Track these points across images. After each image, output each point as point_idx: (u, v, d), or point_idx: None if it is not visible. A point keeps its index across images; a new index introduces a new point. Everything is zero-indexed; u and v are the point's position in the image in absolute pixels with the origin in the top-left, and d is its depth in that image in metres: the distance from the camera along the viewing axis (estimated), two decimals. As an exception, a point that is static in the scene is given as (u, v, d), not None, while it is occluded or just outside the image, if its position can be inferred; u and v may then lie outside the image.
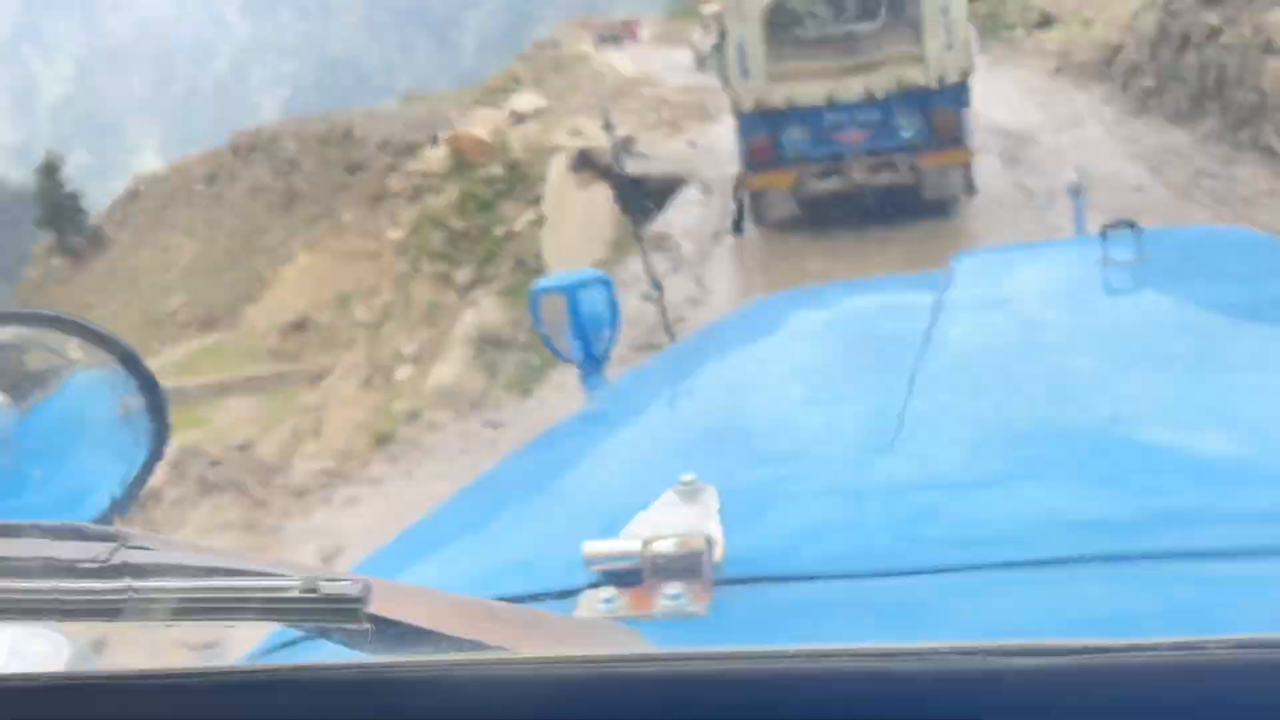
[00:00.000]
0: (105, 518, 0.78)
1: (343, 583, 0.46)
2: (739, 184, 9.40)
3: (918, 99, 8.82)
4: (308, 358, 34.52)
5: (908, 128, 8.94)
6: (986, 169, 10.54)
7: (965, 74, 8.85)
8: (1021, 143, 12.07)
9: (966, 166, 9.25)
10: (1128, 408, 0.96)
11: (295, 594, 0.46)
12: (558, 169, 13.83)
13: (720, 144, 12.46)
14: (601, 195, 12.15)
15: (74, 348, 0.89)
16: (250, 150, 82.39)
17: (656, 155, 12.86)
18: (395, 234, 16.05)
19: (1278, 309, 1.32)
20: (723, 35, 9.32)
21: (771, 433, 1.07)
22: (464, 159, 15.58)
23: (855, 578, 0.70)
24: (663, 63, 34.86)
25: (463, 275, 14.00)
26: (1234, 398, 0.96)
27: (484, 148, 14.57)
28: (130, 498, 0.83)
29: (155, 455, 0.85)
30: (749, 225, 9.71)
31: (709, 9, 40.33)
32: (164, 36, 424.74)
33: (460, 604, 0.57)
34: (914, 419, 0.96)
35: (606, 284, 1.93)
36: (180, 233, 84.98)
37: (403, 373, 11.78)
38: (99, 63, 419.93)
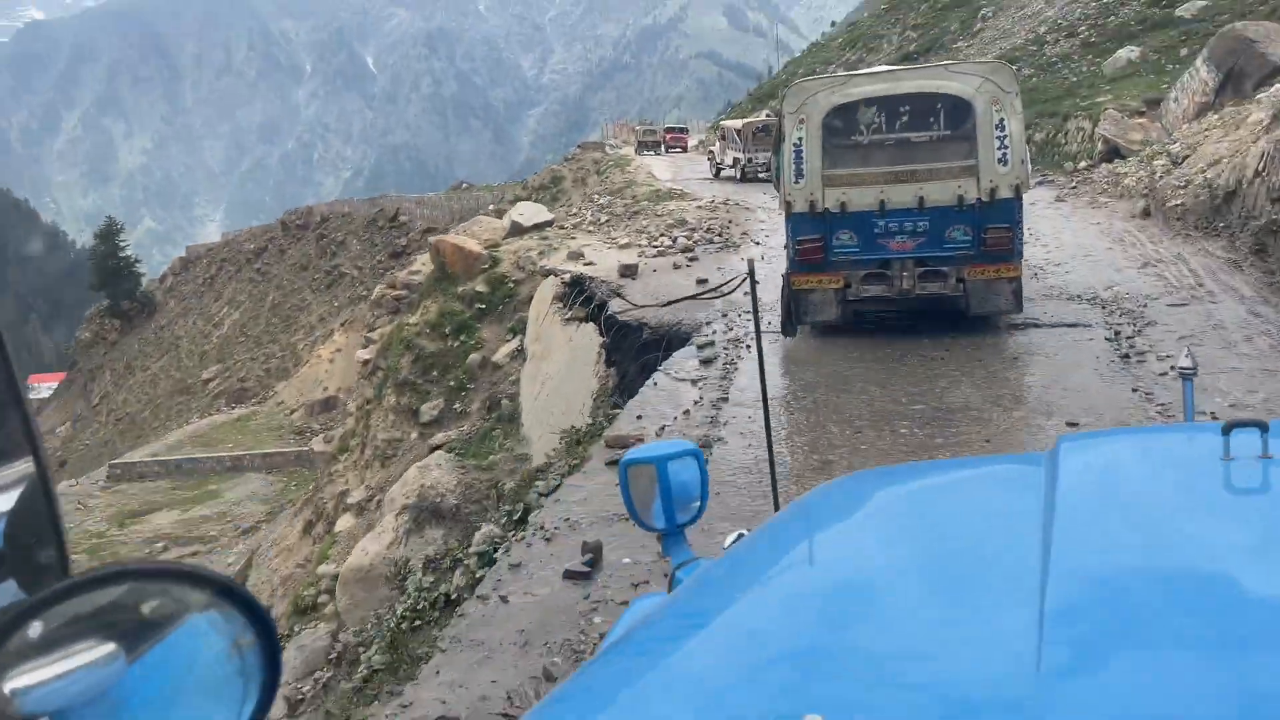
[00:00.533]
0: None
1: None
2: (786, 284, 9.44)
3: (969, 211, 8.85)
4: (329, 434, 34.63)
5: (957, 239, 8.95)
6: (1095, 356, 8.54)
7: (1019, 190, 8.92)
8: (1135, 319, 9.62)
9: (1015, 282, 9.12)
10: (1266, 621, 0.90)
11: None
12: (544, 297, 12.79)
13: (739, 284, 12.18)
14: (589, 338, 11.26)
15: (192, 594, 0.87)
16: (300, 228, 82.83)
17: (657, 292, 11.58)
18: (364, 354, 15.18)
19: None
20: (780, 138, 9.41)
21: (898, 655, 0.96)
22: (447, 271, 14.45)
23: None
24: (697, 171, 35.53)
25: (428, 409, 12.97)
26: None
27: (469, 261, 13.96)
28: None
29: (269, 694, 0.83)
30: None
31: (727, 122, 41.95)
32: (238, 115, 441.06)
33: None
34: (1056, 634, 0.89)
35: (697, 456, 1.94)
36: (224, 303, 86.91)
37: (343, 523, 11.11)
38: (175, 136, 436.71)
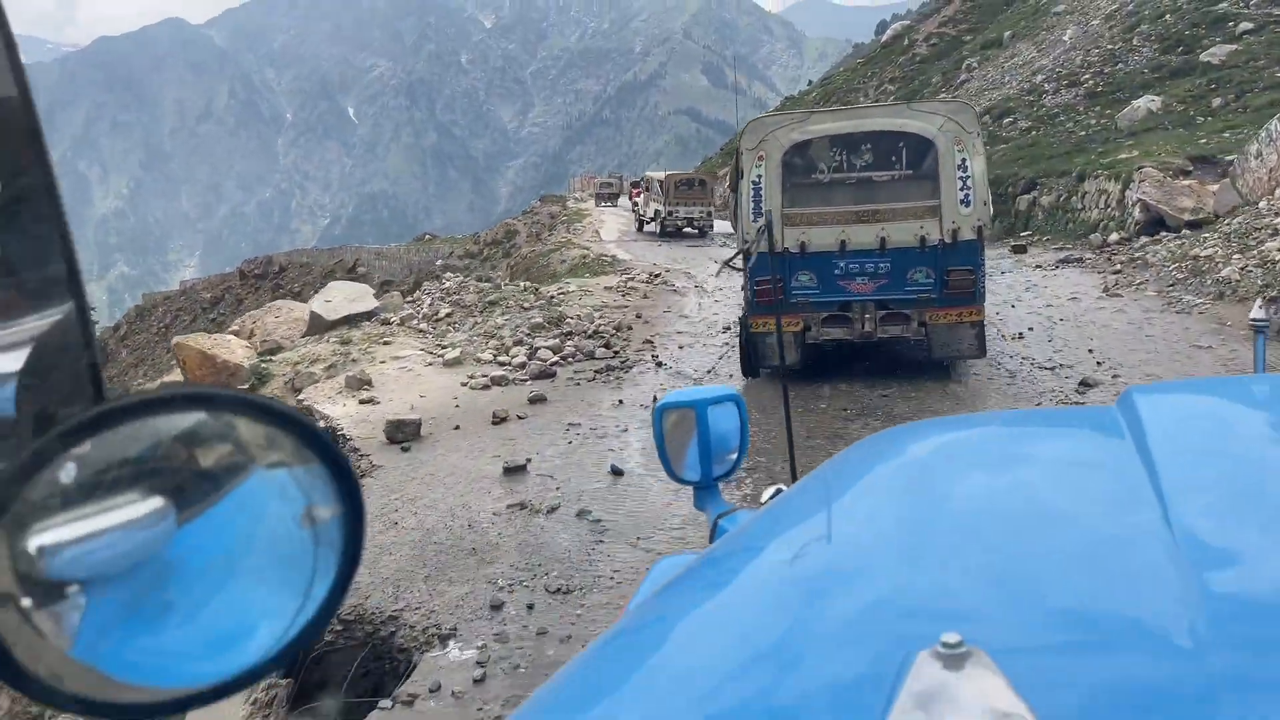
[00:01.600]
0: (263, 666, 0.64)
1: None
2: (743, 327, 9.04)
3: (931, 253, 8.45)
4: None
5: (919, 281, 8.54)
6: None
7: (981, 231, 8.52)
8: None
9: (978, 326, 8.70)
10: None
11: None
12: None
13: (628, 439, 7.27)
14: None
15: (261, 437, 0.69)
16: (258, 277, 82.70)
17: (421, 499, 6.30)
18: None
19: None
20: (738, 176, 8.90)
21: (1016, 579, 0.84)
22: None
23: None
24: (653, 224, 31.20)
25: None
26: None
27: (220, 377, 8.96)
28: (301, 643, 0.67)
29: (341, 587, 0.68)
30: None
31: (651, 173, 38.53)
32: (217, 162, 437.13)
33: None
34: (1198, 559, 0.80)
35: (738, 402, 1.80)
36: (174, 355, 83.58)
37: None
38: (152, 182, 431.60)
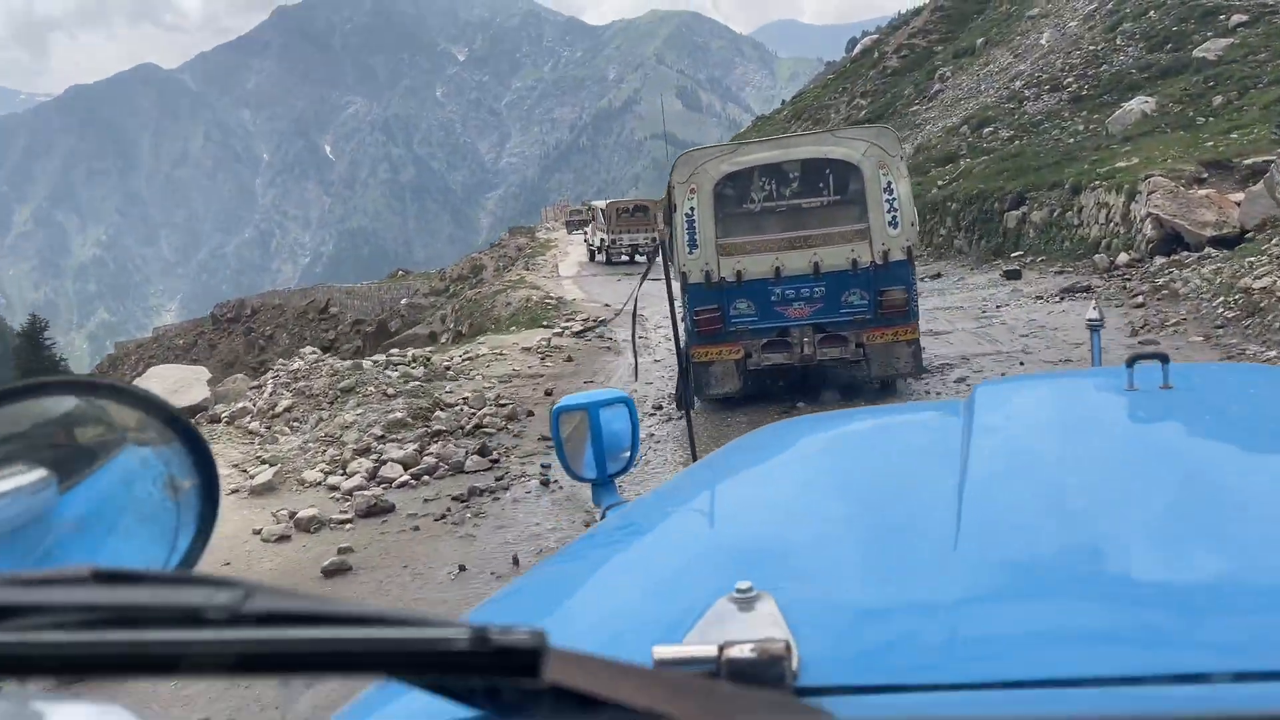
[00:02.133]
0: None
1: (517, 635, 0.41)
2: (684, 357, 8.55)
3: (864, 275, 8.50)
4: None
5: (854, 304, 8.59)
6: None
7: (910, 252, 8.56)
8: None
9: (914, 344, 8.71)
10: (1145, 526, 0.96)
11: (463, 646, 0.40)
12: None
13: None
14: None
15: (130, 419, 0.80)
16: (230, 321, 79.89)
17: None
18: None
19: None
20: (671, 209, 8.86)
21: (824, 544, 1.05)
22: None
23: (940, 689, 0.69)
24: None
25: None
26: (1243, 522, 0.96)
27: None
28: None
29: (202, 538, 0.78)
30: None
31: (596, 202, 37.25)
32: (195, 205, 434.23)
33: (631, 671, 0.52)
34: (972, 529, 0.96)
35: (628, 404, 1.91)
36: None
37: None
38: (130, 228, 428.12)
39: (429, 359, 10.09)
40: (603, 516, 1.71)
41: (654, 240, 28.03)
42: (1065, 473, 1.14)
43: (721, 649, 0.65)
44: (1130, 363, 1.44)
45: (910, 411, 1.88)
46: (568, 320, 16.59)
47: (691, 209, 8.58)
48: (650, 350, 12.47)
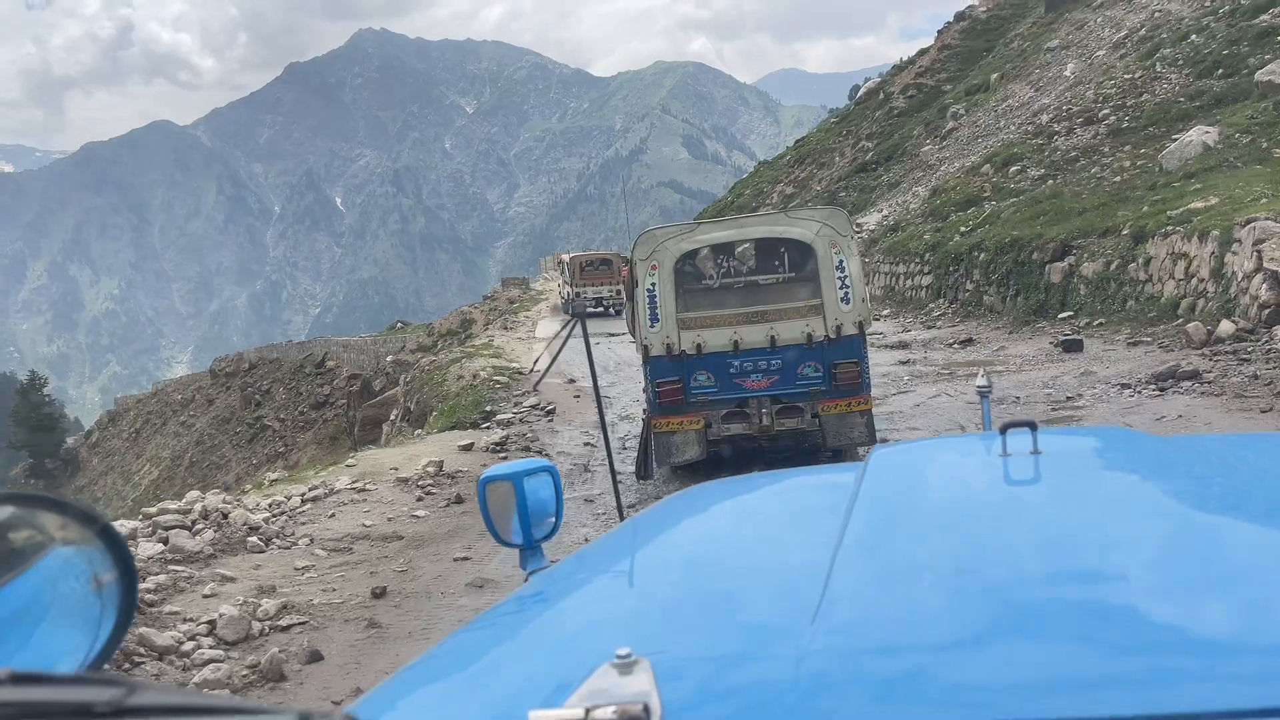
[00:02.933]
0: None
1: None
2: (646, 427, 9.10)
3: (818, 349, 8.80)
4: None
5: (809, 375, 8.83)
6: None
7: (862, 326, 8.86)
8: None
9: (866, 414, 8.96)
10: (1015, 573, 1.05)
11: None
12: None
13: None
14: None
15: (58, 524, 0.90)
16: (229, 376, 77.50)
17: None
18: None
19: (1144, 493, 1.52)
20: (633, 285, 9.08)
21: (708, 608, 1.13)
22: None
23: None
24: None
25: None
26: (1099, 566, 1.06)
27: None
28: (96, 668, 0.84)
29: (122, 625, 0.86)
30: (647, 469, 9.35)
31: (564, 255, 35.34)
32: (207, 258, 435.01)
33: None
34: (838, 591, 1.02)
35: (552, 473, 1.99)
36: (146, 460, 77.91)
37: None
38: (143, 281, 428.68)
39: (227, 513, 6.59)
40: (527, 580, 1.77)
41: (619, 293, 25.32)
42: (937, 534, 1.23)
43: (588, 712, 0.72)
44: (1003, 430, 1.59)
45: (814, 474, 1.95)
46: (515, 407, 13.16)
47: (653, 284, 8.70)
48: (594, 470, 9.01)
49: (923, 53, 58.78)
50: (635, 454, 9.69)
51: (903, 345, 17.47)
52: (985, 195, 23.65)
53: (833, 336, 8.68)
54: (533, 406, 13.21)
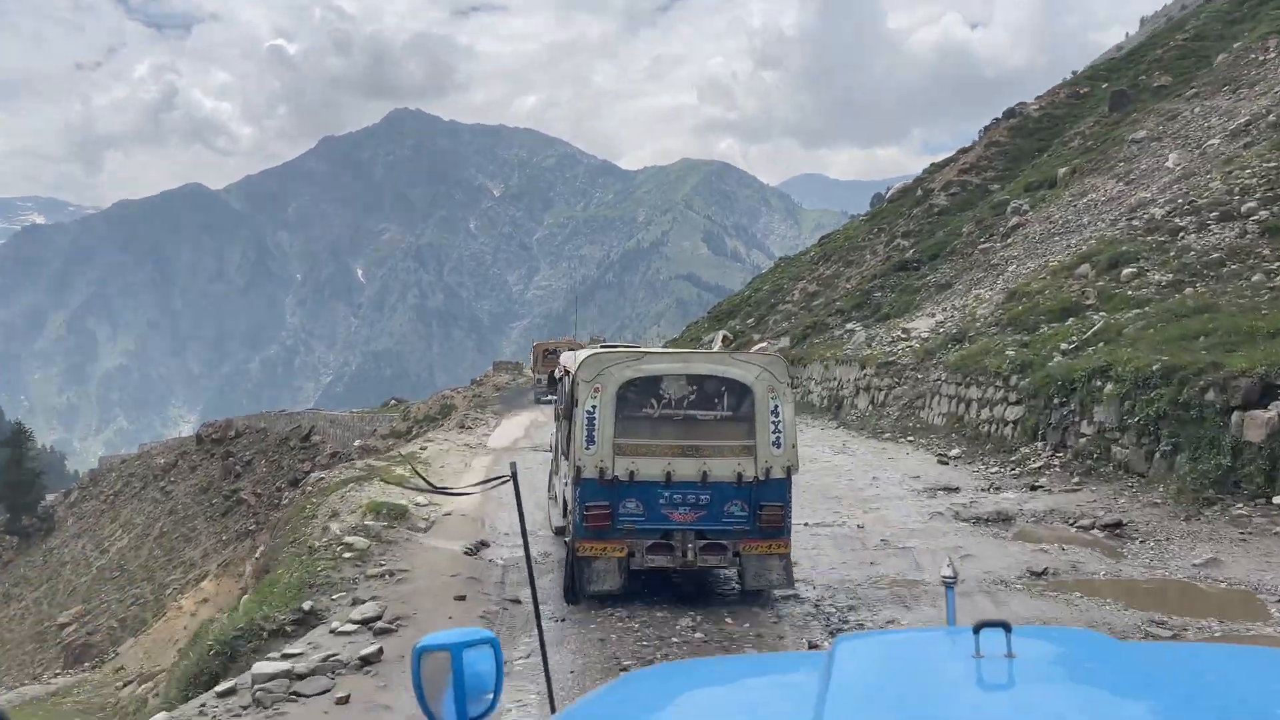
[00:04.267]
0: None
1: None
2: (570, 550, 8.90)
3: (746, 489, 8.75)
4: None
5: (735, 514, 8.73)
6: None
7: (789, 471, 8.87)
8: None
9: (785, 558, 8.86)
10: None
11: None
12: None
13: None
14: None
15: None
16: (215, 442, 71.28)
17: None
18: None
19: (1112, 703, 1.47)
20: (572, 404, 8.98)
21: None
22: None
23: None
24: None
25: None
26: None
27: None
28: None
29: None
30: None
31: (540, 344, 29.79)
32: (224, 321, 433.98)
33: None
34: None
35: (494, 645, 1.84)
36: (119, 525, 74.18)
37: None
38: (159, 339, 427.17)
39: None
40: None
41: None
42: None
43: None
44: (976, 629, 1.55)
45: (770, 669, 1.78)
46: (350, 610, 6.98)
47: (594, 407, 8.70)
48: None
49: (965, 150, 53.71)
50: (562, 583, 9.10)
51: (1002, 518, 11.30)
52: (1088, 303, 17.67)
53: (761, 478, 8.66)
54: (366, 621, 7.08)
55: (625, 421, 8.73)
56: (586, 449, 8.60)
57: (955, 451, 16.06)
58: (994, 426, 16.53)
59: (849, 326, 32.17)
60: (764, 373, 8.81)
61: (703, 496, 8.66)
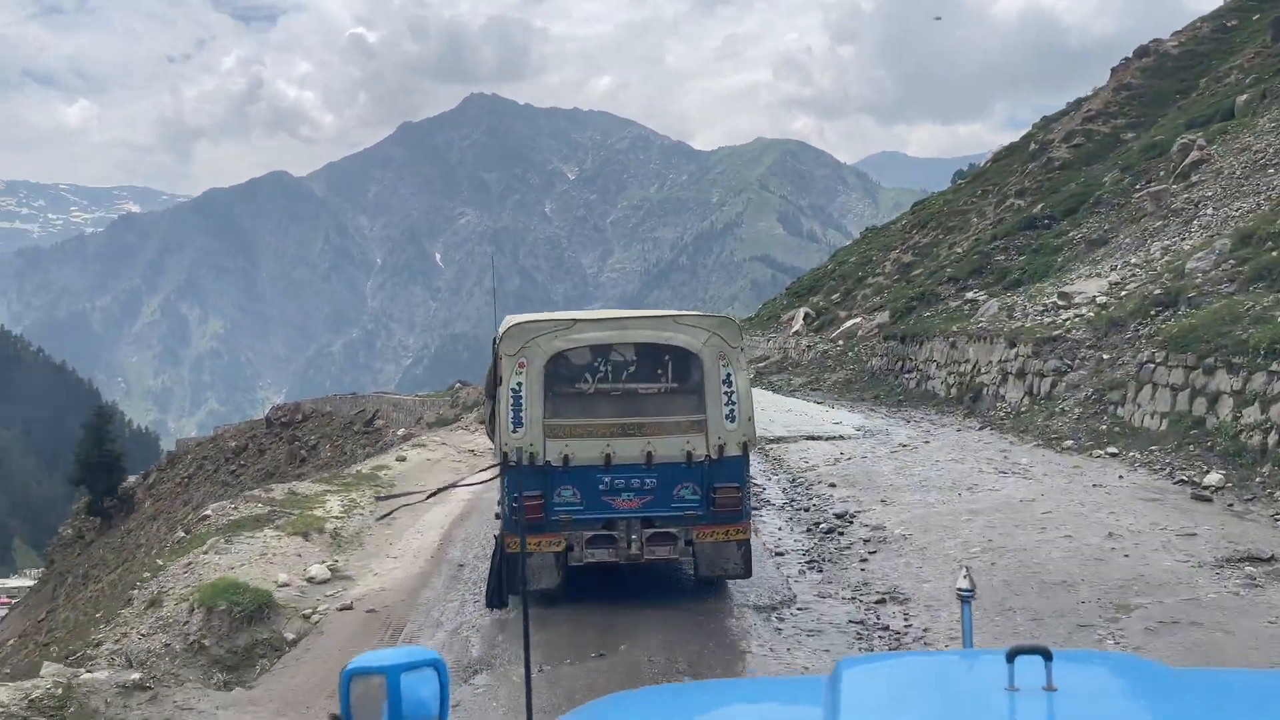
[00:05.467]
0: None
1: None
2: (499, 547, 8.01)
3: (697, 469, 7.85)
4: None
5: (686, 498, 7.88)
6: None
7: (746, 447, 7.95)
8: None
9: (744, 545, 7.96)
10: None
11: None
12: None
13: None
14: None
15: None
16: (284, 425, 69.49)
17: None
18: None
19: None
20: (496, 382, 7.99)
21: None
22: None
23: None
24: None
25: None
26: None
27: None
28: None
29: None
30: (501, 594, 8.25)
31: None
32: (308, 304, 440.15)
33: None
34: None
35: (438, 666, 1.57)
36: (190, 508, 72.43)
37: None
38: (247, 322, 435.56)
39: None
40: None
41: None
42: None
43: None
44: (1010, 657, 1.31)
45: (763, 690, 1.59)
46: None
47: (519, 384, 7.77)
48: None
49: (1087, 98, 46.19)
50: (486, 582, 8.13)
51: None
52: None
53: (714, 457, 7.76)
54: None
55: (556, 399, 7.82)
56: (513, 432, 7.70)
57: (1213, 477, 9.87)
58: (1256, 434, 10.27)
59: (969, 296, 25.91)
60: (713, 337, 7.91)
61: (648, 480, 7.81)
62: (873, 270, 49.63)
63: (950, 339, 20.14)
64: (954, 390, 19.15)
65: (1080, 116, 42.87)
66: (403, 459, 13.82)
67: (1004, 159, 50.89)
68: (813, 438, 15.57)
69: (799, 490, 11.90)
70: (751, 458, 8.07)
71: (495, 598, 7.92)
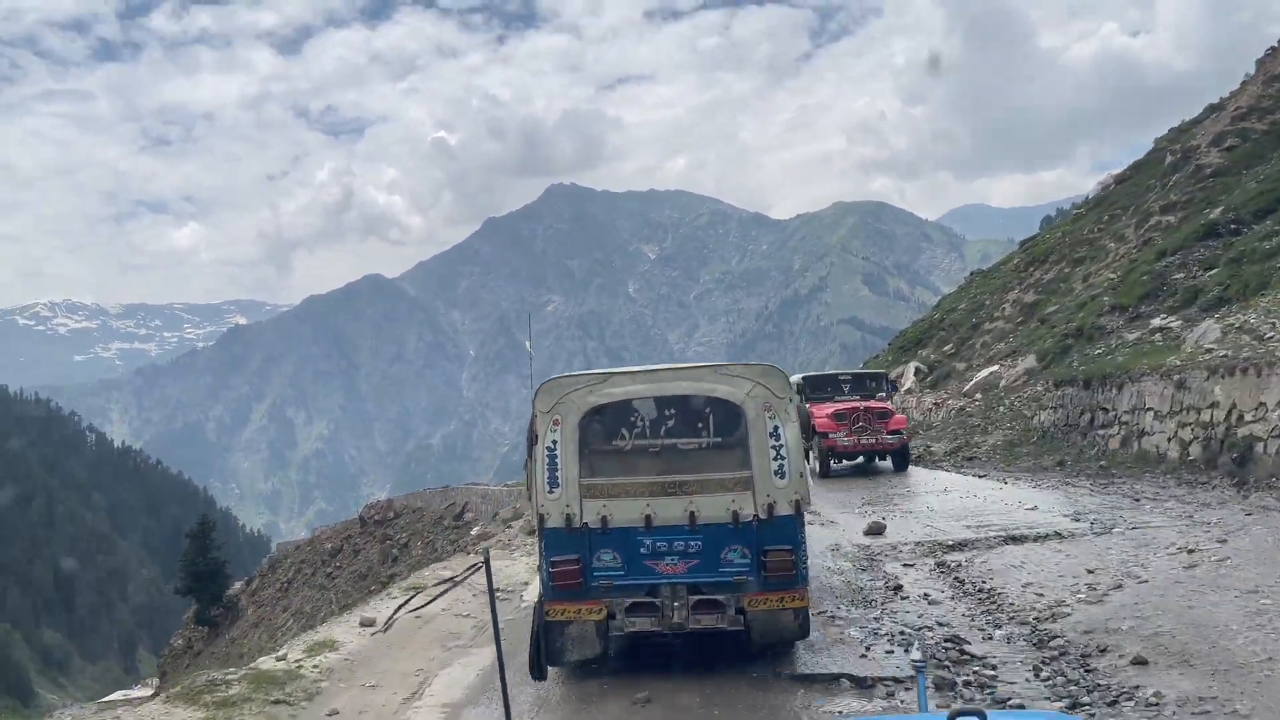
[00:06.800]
0: None
1: None
2: (537, 614, 7.38)
3: (746, 530, 7.19)
4: None
5: (734, 562, 7.19)
6: None
7: (799, 506, 7.21)
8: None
9: (801, 613, 7.24)
10: None
11: None
12: None
13: None
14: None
15: None
16: (377, 524, 66.85)
17: None
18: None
19: None
20: (532, 441, 7.53)
21: None
22: None
23: None
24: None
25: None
26: None
27: None
28: None
29: None
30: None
31: None
32: (406, 400, 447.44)
33: None
34: None
35: None
36: (289, 614, 69.97)
37: None
38: (349, 422, 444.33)
39: None
40: None
41: None
42: None
43: None
44: (951, 718, 1.40)
45: None
46: None
47: (554, 443, 7.26)
48: None
49: (1230, 97, 39.88)
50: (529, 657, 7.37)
51: None
52: None
53: (763, 517, 7.11)
54: None
55: (593, 457, 7.34)
56: (549, 493, 7.27)
57: None
58: None
59: (1155, 323, 20.12)
60: (756, 387, 7.25)
61: (693, 543, 7.20)
62: (989, 315, 43.74)
63: (1175, 377, 14.39)
64: (1193, 448, 13.41)
65: (1228, 117, 36.69)
66: (410, 597, 8.91)
67: (1129, 179, 44.60)
68: (1015, 539, 10.14)
69: (1064, 669, 6.40)
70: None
71: (537, 669, 7.29)
